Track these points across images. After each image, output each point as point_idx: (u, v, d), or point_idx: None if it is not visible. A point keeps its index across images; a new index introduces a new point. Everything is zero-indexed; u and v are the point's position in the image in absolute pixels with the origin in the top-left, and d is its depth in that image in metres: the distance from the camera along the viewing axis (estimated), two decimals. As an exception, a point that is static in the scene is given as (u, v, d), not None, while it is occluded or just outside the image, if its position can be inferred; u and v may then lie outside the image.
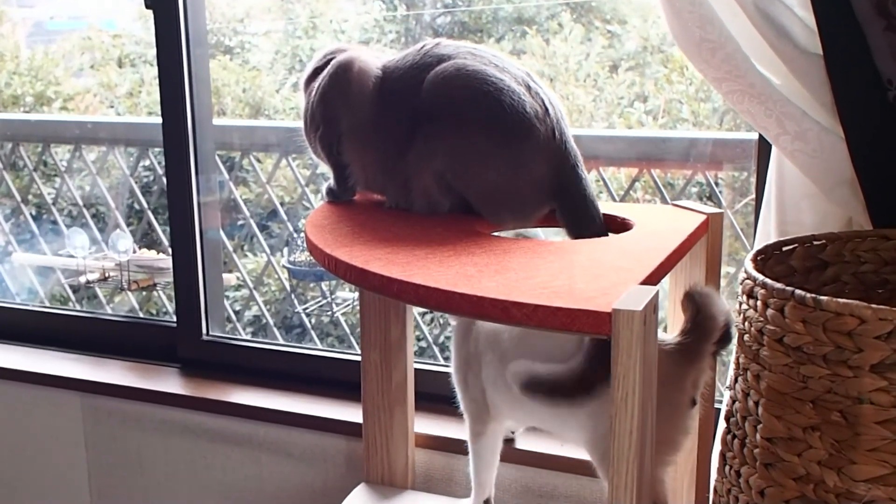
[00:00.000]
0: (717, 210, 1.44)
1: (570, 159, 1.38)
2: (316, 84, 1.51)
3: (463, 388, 1.53)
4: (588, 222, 1.38)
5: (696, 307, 1.23)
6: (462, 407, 1.55)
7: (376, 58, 1.49)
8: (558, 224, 1.41)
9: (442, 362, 2.12)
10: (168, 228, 2.20)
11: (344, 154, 1.49)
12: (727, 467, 1.19)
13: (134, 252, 2.40)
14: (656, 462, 1.22)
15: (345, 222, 1.40)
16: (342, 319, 2.60)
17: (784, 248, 1.27)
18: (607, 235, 1.37)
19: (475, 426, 1.53)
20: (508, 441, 1.70)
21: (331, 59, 1.52)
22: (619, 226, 1.41)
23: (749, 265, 1.16)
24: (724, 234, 1.50)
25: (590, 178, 1.42)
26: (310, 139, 1.54)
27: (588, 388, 1.22)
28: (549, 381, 1.25)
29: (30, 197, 2.89)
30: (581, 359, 1.22)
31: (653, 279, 1.11)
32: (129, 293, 2.44)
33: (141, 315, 2.53)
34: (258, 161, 2.68)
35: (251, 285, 2.67)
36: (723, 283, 2.01)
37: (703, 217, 1.41)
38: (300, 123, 1.57)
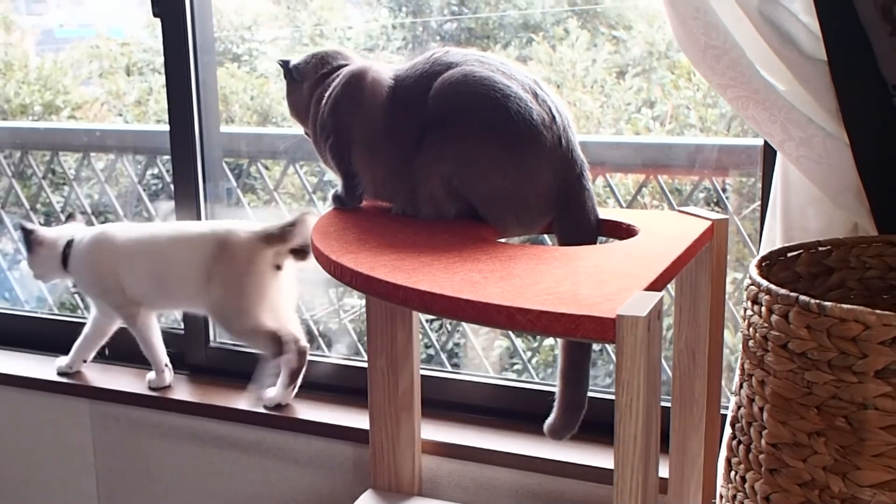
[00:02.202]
0: (722, 216, 1.44)
1: (577, 167, 1.38)
2: (325, 92, 1.52)
3: (103, 298, 2.06)
4: (580, 234, 1.39)
5: (291, 222, 1.86)
6: (107, 307, 2.07)
7: (389, 67, 1.50)
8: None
9: (450, 369, 2.13)
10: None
11: (354, 163, 1.49)
12: (733, 473, 1.19)
13: (142, 259, 2.41)
14: (256, 315, 1.89)
15: (351, 229, 1.41)
16: (349, 326, 2.60)
17: (789, 254, 1.27)
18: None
19: (129, 315, 2.04)
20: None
21: (323, 58, 1.56)
22: (624, 231, 1.41)
23: (754, 271, 1.16)
24: (732, 240, 1.50)
25: (597, 184, 1.42)
26: (319, 147, 1.55)
27: None
28: None
29: (38, 205, 2.90)
30: None
31: (657, 285, 1.11)
32: (138, 300, 2.45)
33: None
34: (266, 168, 2.68)
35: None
36: (729, 288, 2.01)
37: (709, 223, 1.41)
38: (288, 111, 1.62)
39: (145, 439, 2.15)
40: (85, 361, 2.19)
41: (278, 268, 1.90)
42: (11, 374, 2.25)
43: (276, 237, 1.87)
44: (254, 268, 1.88)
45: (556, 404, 1.43)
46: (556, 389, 1.42)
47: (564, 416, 1.42)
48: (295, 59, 1.60)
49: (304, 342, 1.94)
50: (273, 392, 1.98)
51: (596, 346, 2.45)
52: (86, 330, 2.15)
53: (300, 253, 1.89)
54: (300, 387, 2.02)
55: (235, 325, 1.93)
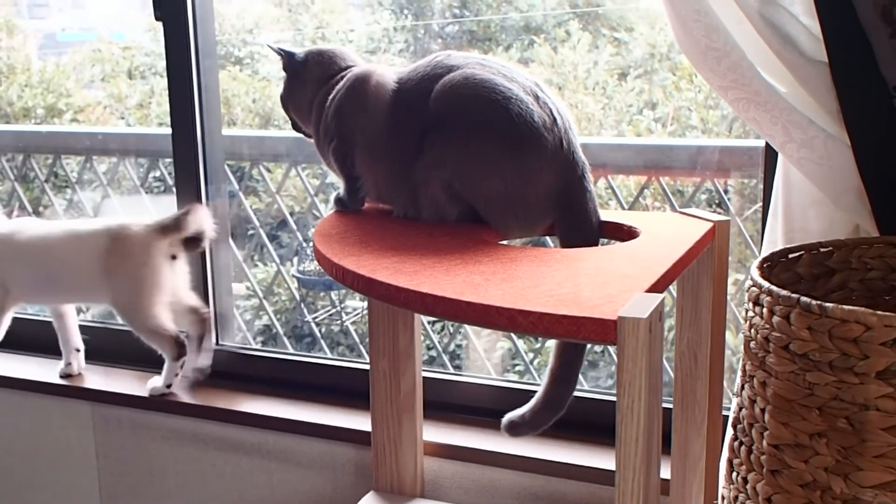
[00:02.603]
0: (723, 217, 1.44)
1: (578, 170, 1.38)
2: (328, 94, 1.52)
3: None
4: (582, 236, 1.39)
5: (184, 211, 1.95)
6: None
7: (392, 70, 1.50)
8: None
9: (452, 371, 2.13)
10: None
11: (357, 167, 1.49)
12: (735, 474, 1.20)
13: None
14: (157, 313, 1.97)
15: (353, 231, 1.41)
16: (352, 329, 2.61)
17: (790, 256, 1.27)
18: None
19: None
20: None
21: (331, 59, 1.55)
22: (626, 233, 1.41)
23: (755, 273, 1.16)
24: (733, 242, 1.50)
25: (598, 186, 1.42)
26: (322, 151, 1.55)
27: None
28: None
29: (41, 209, 2.91)
30: None
31: (659, 287, 1.11)
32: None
33: (151, 325, 2.54)
34: (268, 171, 2.69)
35: (261, 295, 2.68)
36: (732, 290, 2.01)
37: (710, 224, 1.41)
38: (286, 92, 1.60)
39: (147, 442, 2.16)
40: (78, 351, 2.22)
41: (174, 257, 2.00)
42: (14, 377, 2.26)
43: (171, 227, 1.95)
44: (150, 259, 1.96)
45: (535, 398, 1.41)
46: (540, 385, 1.42)
47: (539, 413, 1.41)
48: (297, 54, 1.58)
49: (203, 309, 2.05)
50: (192, 361, 2.05)
51: (597, 348, 2.45)
52: (54, 323, 2.20)
53: (193, 242, 1.98)
54: (301, 389, 2.02)
55: (137, 322, 2.00)
